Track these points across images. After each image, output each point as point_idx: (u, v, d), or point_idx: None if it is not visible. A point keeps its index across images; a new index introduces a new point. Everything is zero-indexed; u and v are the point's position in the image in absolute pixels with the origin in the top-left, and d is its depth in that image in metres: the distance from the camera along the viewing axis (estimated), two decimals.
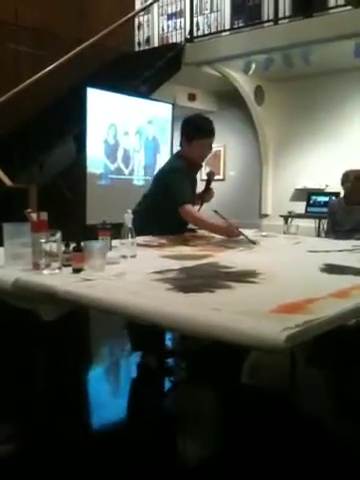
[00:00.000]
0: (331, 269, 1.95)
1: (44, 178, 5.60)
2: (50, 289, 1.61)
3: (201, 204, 3.07)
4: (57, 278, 1.71)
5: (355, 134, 7.60)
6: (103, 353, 3.58)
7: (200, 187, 3.14)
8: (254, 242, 2.64)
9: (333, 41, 6.19)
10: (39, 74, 5.83)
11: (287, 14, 6.88)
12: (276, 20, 6.82)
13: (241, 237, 2.69)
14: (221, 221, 2.76)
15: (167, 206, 2.78)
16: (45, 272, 1.75)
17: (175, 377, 3.00)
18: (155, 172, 3.11)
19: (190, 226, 3.04)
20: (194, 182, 3.03)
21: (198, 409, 2.53)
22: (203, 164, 3.07)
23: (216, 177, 8.72)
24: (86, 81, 6.41)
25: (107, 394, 2.87)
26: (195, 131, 2.89)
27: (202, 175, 3.28)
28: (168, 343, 3.20)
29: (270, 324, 1.21)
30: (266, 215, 8.67)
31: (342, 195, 4.80)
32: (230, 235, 2.73)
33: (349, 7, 6.24)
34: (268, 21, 7.06)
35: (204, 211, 3.05)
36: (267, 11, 7.19)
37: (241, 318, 1.27)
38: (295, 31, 6.42)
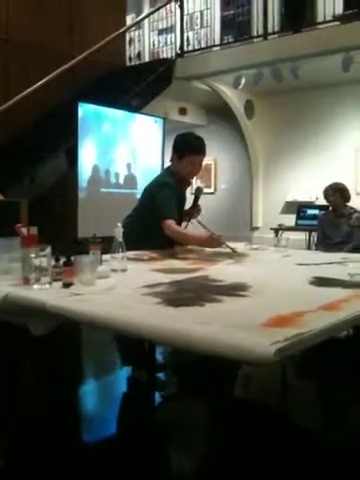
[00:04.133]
0: (320, 282, 1.96)
1: (35, 192, 5.59)
2: (39, 304, 1.61)
3: (188, 220, 3.09)
4: (47, 293, 1.71)
5: (344, 147, 7.67)
6: (93, 368, 3.56)
7: (189, 203, 3.15)
8: (236, 251, 2.67)
9: (321, 56, 6.26)
10: (30, 88, 5.84)
11: (276, 29, 6.96)
12: (265, 35, 6.90)
13: (224, 247, 2.71)
14: (204, 232, 2.78)
15: (155, 220, 2.79)
16: (35, 287, 1.75)
17: (166, 391, 2.99)
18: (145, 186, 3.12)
19: None
20: (182, 198, 3.05)
21: (189, 423, 2.52)
22: (192, 181, 3.09)
23: (207, 190, 8.76)
24: (77, 95, 6.44)
25: (97, 409, 2.86)
26: (186, 148, 2.92)
27: (192, 190, 3.28)
28: (159, 357, 3.20)
29: (259, 338, 1.22)
30: (257, 228, 8.70)
31: (331, 208, 4.85)
32: (212, 246, 2.75)
33: (337, 22, 6.33)
34: (257, 36, 7.14)
35: (191, 227, 3.06)
36: (256, 26, 7.28)
37: (230, 332, 1.27)
38: (284, 46, 6.49)
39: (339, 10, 6.52)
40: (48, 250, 1.80)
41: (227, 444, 2.29)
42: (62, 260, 1.87)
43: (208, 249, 2.91)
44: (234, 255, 2.67)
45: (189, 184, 3.11)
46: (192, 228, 3.03)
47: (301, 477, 2.03)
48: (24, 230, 1.86)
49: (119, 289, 1.81)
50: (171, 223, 2.80)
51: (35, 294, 1.69)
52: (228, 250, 2.73)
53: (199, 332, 1.29)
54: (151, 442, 2.33)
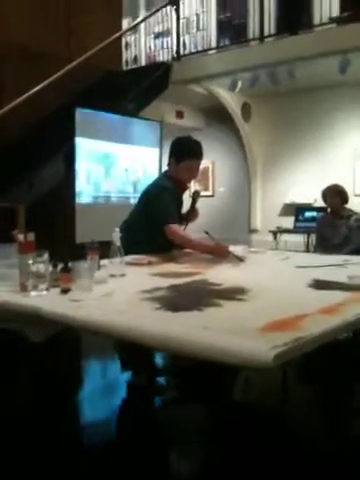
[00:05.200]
0: (319, 285, 1.95)
1: (33, 197, 5.59)
2: (37, 311, 1.60)
3: (186, 224, 3.08)
4: (44, 299, 1.70)
5: (342, 149, 7.68)
6: (93, 372, 3.54)
7: (186, 206, 3.15)
8: (242, 259, 2.65)
9: (318, 58, 6.28)
10: (28, 93, 5.84)
11: (272, 32, 6.98)
12: (261, 38, 6.91)
13: (231, 257, 2.70)
14: (209, 241, 2.77)
15: (153, 224, 2.78)
16: (32, 293, 1.74)
17: (166, 396, 2.98)
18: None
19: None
20: (180, 202, 3.05)
21: (189, 428, 2.51)
22: (189, 184, 3.09)
23: (205, 193, 8.76)
24: (74, 100, 6.44)
25: (97, 414, 2.84)
26: (184, 153, 2.91)
27: (190, 194, 3.28)
28: (158, 361, 3.18)
29: (258, 343, 1.21)
30: (255, 230, 8.71)
31: (329, 211, 4.85)
32: (220, 255, 2.73)
33: (333, 24, 6.34)
34: (253, 39, 7.16)
35: (189, 230, 3.05)
36: (252, 29, 7.29)
37: (229, 337, 1.27)
38: (280, 49, 6.50)
39: (335, 12, 6.53)
40: (45, 256, 1.79)
41: (227, 449, 2.28)
42: (60, 266, 1.86)
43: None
44: (233, 259, 2.66)
45: (186, 188, 3.11)
46: (190, 232, 3.02)
47: None
48: (21, 236, 1.85)
49: (117, 294, 1.81)
50: (176, 228, 2.80)
51: (32, 301, 1.68)
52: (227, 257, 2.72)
53: (198, 338, 1.28)
54: (151, 447, 2.32)
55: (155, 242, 2.83)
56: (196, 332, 1.32)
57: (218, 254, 2.72)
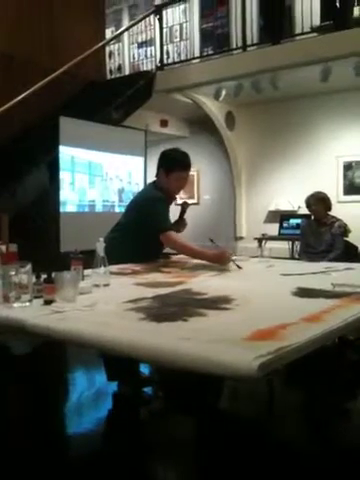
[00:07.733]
0: (303, 293, 1.96)
1: (17, 206, 5.55)
2: (20, 323, 1.58)
3: None
4: (27, 311, 1.68)
5: (325, 156, 7.75)
6: (78, 383, 3.51)
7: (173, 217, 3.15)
8: (241, 267, 2.68)
9: (300, 67, 6.34)
10: (11, 102, 5.81)
11: (255, 41, 7.03)
12: (244, 47, 6.96)
13: (232, 264, 2.71)
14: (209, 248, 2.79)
15: (144, 234, 2.77)
16: (15, 305, 1.72)
17: (152, 406, 2.96)
18: (129, 199, 3.11)
19: (165, 251, 3.03)
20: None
21: (176, 438, 2.49)
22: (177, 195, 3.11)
23: (191, 201, 8.77)
24: (58, 109, 6.43)
25: (82, 425, 2.81)
26: (173, 164, 2.93)
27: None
28: (145, 371, 3.17)
29: (242, 352, 1.21)
30: (241, 237, 8.72)
31: (313, 218, 4.88)
32: (223, 262, 2.72)
33: (315, 34, 6.42)
34: (236, 48, 7.20)
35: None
36: (235, 39, 7.34)
37: (213, 347, 1.26)
38: (263, 58, 6.55)
39: (316, 22, 6.61)
40: (28, 267, 1.77)
41: (213, 459, 2.26)
42: (43, 276, 1.84)
43: (191, 261, 2.90)
44: (233, 266, 2.67)
45: (175, 199, 3.11)
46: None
47: None
48: (3, 247, 1.83)
49: (101, 305, 1.79)
50: (176, 236, 2.81)
51: (15, 313, 1.66)
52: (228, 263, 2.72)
53: (182, 349, 1.27)
54: (137, 458, 2.30)
55: (144, 251, 2.84)
56: (181, 343, 1.31)
57: (221, 261, 2.72)
